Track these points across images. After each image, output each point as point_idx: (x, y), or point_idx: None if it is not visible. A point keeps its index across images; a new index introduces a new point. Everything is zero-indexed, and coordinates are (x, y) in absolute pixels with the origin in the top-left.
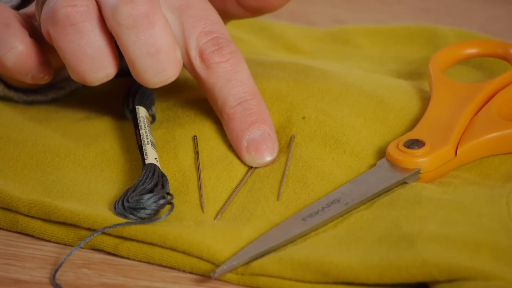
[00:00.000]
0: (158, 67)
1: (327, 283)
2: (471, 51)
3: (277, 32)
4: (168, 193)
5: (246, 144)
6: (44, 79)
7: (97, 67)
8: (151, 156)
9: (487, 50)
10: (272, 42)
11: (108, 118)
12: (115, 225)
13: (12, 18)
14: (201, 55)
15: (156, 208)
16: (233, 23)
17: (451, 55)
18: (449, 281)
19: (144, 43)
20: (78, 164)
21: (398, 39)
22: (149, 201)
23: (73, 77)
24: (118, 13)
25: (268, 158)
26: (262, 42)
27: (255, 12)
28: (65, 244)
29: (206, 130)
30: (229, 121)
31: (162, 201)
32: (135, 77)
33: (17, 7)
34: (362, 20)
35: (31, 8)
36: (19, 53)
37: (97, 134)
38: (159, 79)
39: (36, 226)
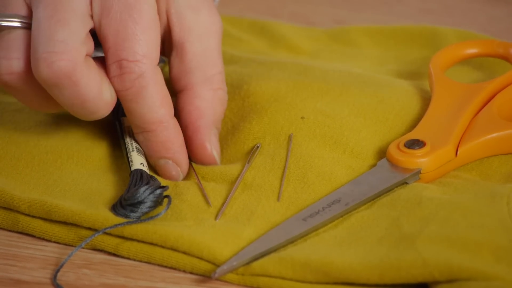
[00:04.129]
0: (87, 112)
1: (327, 283)
2: (472, 51)
3: (277, 32)
4: (163, 186)
5: (153, 165)
6: None
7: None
8: (137, 162)
9: (488, 50)
10: (272, 42)
11: (111, 120)
12: (115, 225)
13: None
14: (109, 77)
15: (154, 199)
16: (234, 23)
17: (452, 55)
18: (450, 281)
19: (68, 97)
20: (81, 166)
21: (399, 39)
22: (146, 193)
23: None
24: (38, 75)
25: (180, 180)
26: (263, 42)
27: None
28: (65, 244)
29: None
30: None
31: (158, 191)
32: None
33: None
34: (363, 20)
35: None
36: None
37: (100, 137)
38: (93, 118)
39: (37, 225)
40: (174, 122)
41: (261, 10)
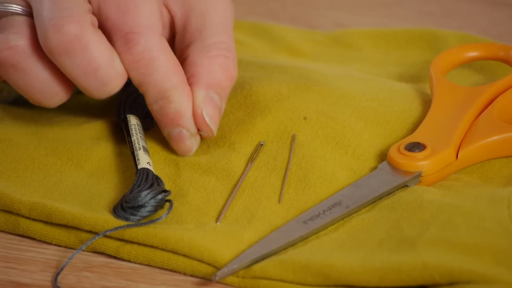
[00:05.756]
0: (99, 83)
1: (328, 286)
2: (473, 54)
3: (278, 35)
4: (165, 190)
5: (168, 136)
6: None
7: (48, 96)
8: (144, 161)
9: (489, 53)
10: (273, 45)
11: (110, 121)
12: (116, 228)
13: None
14: (117, 52)
15: (155, 204)
16: (234, 26)
17: (453, 58)
18: (450, 284)
19: (79, 65)
20: (81, 167)
21: (400, 42)
22: (147, 197)
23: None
24: (48, 43)
25: (189, 154)
26: (264, 45)
27: None
28: (66, 247)
29: None
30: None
31: (160, 196)
32: (83, 92)
33: None
34: (364, 23)
35: None
36: None
37: (99, 138)
38: (104, 92)
39: (37, 228)
40: (188, 89)
41: (262, 14)
